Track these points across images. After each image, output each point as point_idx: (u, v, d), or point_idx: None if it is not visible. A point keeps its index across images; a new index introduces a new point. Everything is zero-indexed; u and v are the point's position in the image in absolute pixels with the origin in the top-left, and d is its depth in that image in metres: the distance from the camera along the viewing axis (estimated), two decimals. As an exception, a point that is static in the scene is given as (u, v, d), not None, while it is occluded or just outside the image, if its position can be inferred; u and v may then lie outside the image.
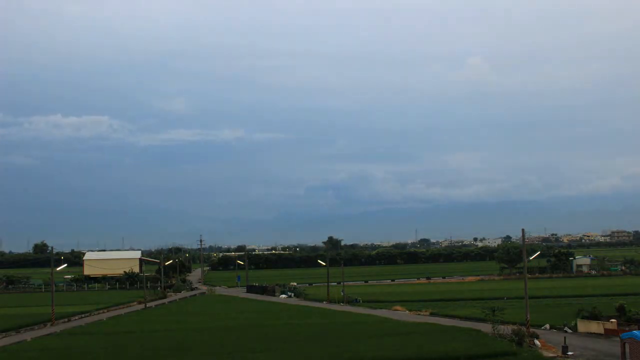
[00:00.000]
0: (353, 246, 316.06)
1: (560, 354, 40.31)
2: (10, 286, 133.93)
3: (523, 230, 53.30)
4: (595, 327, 49.53)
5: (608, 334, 47.65)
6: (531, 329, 47.31)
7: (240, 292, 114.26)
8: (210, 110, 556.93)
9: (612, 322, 48.91)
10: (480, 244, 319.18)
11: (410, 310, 70.65)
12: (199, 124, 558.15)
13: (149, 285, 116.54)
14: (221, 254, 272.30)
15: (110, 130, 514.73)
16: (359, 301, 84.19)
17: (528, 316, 48.92)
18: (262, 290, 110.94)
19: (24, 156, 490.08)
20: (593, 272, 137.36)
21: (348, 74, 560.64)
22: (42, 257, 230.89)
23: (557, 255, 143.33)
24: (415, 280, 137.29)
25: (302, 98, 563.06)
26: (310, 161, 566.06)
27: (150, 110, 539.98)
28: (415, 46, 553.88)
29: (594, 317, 51.18)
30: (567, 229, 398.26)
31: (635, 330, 38.84)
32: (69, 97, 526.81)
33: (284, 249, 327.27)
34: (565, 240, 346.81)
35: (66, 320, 70.47)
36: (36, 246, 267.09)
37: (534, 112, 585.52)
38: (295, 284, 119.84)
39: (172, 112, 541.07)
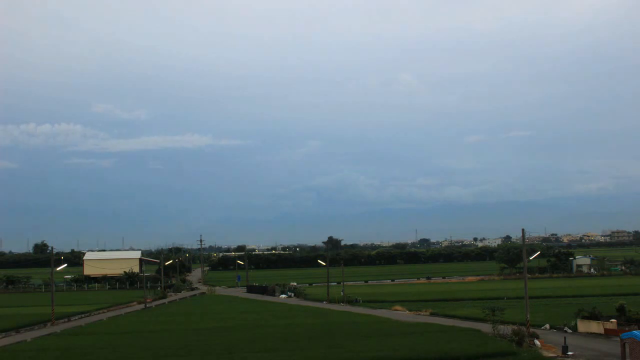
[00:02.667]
0: (353, 246, 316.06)
1: (560, 354, 40.30)
2: (10, 286, 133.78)
3: (523, 230, 53.28)
4: (595, 327, 49.52)
5: (608, 334, 47.64)
6: (531, 329, 47.33)
7: (240, 292, 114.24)
8: (172, 119, 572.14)
9: (612, 322, 48.89)
10: (480, 244, 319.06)
11: (410, 310, 70.65)
12: (166, 132, 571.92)
13: (149, 285, 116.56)
14: (221, 254, 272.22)
15: (83, 138, 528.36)
16: (359, 301, 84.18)
17: (528, 316, 48.93)
18: (262, 290, 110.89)
19: (8, 161, 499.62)
20: (593, 272, 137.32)
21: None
22: (42, 257, 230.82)
23: (557, 255, 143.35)
24: (415, 280, 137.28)
25: (258, 109, 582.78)
26: (295, 164, 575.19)
27: (116, 120, 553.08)
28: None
29: (594, 317, 51.15)
30: (567, 229, 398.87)
31: (635, 330, 38.83)
32: (42, 108, 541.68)
33: (284, 249, 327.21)
34: (565, 240, 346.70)
35: (66, 320, 70.47)
36: (36, 246, 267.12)
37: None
38: (295, 284, 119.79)
39: (137, 121, 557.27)
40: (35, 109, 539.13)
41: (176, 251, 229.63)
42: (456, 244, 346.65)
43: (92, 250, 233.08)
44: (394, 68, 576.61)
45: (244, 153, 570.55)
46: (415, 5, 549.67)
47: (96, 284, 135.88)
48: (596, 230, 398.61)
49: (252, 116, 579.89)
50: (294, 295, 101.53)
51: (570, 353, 39.97)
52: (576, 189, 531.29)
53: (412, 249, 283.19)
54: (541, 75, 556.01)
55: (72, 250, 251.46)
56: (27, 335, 56.48)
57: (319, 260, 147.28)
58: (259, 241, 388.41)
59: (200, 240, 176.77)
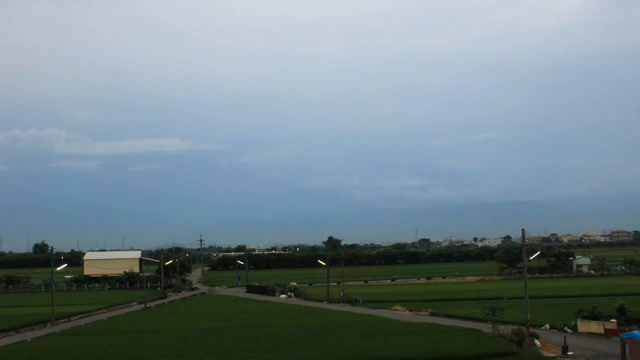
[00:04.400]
0: (353, 246, 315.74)
1: (560, 354, 40.31)
2: (10, 286, 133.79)
3: (523, 230, 53.29)
4: (595, 327, 49.53)
5: (608, 334, 47.66)
6: (531, 329, 47.33)
7: (240, 292, 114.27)
8: (148, 124, 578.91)
9: (612, 322, 48.91)
10: (480, 244, 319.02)
11: (410, 310, 70.66)
12: (146, 136, 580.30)
13: (149, 285, 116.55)
14: (221, 254, 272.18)
15: (68, 142, 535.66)
16: (359, 301, 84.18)
17: (528, 316, 48.93)
18: (262, 290, 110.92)
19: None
20: (593, 272, 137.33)
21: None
22: (42, 257, 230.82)
23: (557, 255, 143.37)
24: (415, 280, 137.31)
25: (234, 117, 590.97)
26: (285, 166, 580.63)
27: (97, 125, 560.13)
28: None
29: (594, 317, 51.17)
30: (567, 229, 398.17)
31: (635, 330, 38.84)
32: (25, 114, 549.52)
33: (284, 249, 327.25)
34: (565, 240, 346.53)
35: (66, 320, 70.49)
36: (36, 246, 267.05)
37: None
38: (295, 284, 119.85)
39: (115, 125, 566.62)
40: (17, 115, 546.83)
41: (176, 251, 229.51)
42: (456, 244, 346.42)
43: (92, 250, 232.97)
44: (369, 79, 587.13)
45: (230, 156, 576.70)
46: (392, 25, 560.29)
47: (96, 284, 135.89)
48: (596, 230, 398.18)
49: (228, 123, 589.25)
50: (294, 295, 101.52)
51: (570, 353, 39.98)
52: (576, 189, 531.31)
53: (412, 249, 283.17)
54: (523, 83, 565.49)
55: (72, 250, 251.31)
56: (27, 335, 56.49)
57: (319, 260, 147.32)
58: (259, 241, 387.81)
59: (200, 240, 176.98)
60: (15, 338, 54.92)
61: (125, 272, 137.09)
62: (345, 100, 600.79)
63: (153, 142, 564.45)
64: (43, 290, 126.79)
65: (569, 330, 50.63)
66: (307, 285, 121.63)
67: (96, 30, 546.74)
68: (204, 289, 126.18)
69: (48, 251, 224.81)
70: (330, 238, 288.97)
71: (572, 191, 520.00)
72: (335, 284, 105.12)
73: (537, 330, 48.52)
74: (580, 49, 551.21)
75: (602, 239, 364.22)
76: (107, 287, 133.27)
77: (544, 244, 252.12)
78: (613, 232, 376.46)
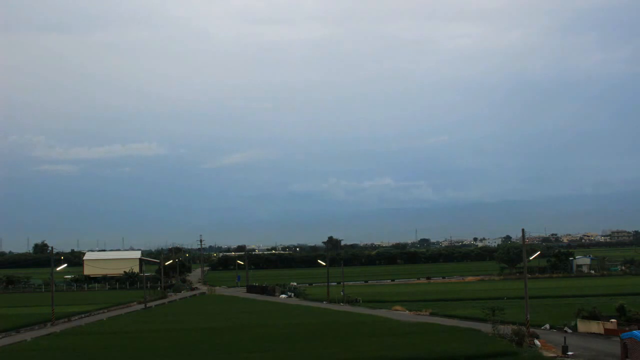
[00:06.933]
0: (353, 246, 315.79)
1: (560, 354, 40.30)
2: (10, 286, 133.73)
3: (523, 230, 53.26)
4: (595, 327, 49.52)
5: (608, 334, 47.64)
6: (531, 329, 47.28)
7: (241, 292, 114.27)
8: (131, 129, 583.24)
9: (612, 322, 48.89)
10: (480, 244, 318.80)
11: (410, 310, 70.65)
12: (123, 141, 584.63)
13: (149, 285, 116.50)
14: (221, 254, 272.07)
15: (48, 147, 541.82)
16: (359, 301, 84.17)
17: (528, 316, 48.90)
18: (262, 290, 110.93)
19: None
20: (593, 272, 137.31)
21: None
22: (42, 257, 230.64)
23: (557, 255, 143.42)
24: (415, 280, 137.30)
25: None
26: (280, 166, 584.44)
27: (73, 131, 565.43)
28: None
29: (594, 317, 51.15)
30: (567, 229, 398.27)
31: (635, 330, 38.83)
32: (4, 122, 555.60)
33: (284, 249, 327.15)
34: (565, 240, 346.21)
35: (66, 320, 70.47)
36: (36, 246, 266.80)
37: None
38: (295, 284, 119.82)
39: (90, 131, 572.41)
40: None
41: (176, 251, 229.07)
42: (456, 244, 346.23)
43: (92, 250, 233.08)
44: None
45: (226, 156, 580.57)
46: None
47: (96, 284, 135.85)
48: (596, 230, 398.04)
49: (221, 126, 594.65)
50: (294, 295, 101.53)
51: (570, 353, 39.97)
52: (576, 189, 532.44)
53: (412, 249, 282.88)
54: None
55: (72, 250, 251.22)
56: (27, 335, 56.46)
57: (319, 260, 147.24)
58: (259, 241, 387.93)
59: (200, 240, 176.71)
60: (15, 338, 54.89)
61: (125, 272, 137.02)
62: (343, 104, 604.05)
63: (141, 146, 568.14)
64: (43, 290, 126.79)
65: (569, 330, 50.62)
66: (307, 285, 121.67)
67: (76, 51, 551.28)
68: (204, 289, 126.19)
69: (48, 251, 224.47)
70: (330, 238, 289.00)
71: (572, 191, 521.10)
72: (335, 284, 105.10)
73: (537, 330, 48.49)
74: (555, 69, 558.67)
75: (602, 239, 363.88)
76: (107, 287, 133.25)
77: (544, 244, 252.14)
78: (613, 232, 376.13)
